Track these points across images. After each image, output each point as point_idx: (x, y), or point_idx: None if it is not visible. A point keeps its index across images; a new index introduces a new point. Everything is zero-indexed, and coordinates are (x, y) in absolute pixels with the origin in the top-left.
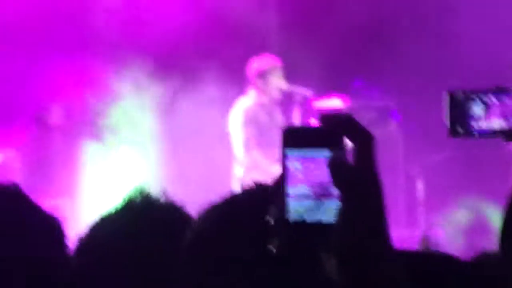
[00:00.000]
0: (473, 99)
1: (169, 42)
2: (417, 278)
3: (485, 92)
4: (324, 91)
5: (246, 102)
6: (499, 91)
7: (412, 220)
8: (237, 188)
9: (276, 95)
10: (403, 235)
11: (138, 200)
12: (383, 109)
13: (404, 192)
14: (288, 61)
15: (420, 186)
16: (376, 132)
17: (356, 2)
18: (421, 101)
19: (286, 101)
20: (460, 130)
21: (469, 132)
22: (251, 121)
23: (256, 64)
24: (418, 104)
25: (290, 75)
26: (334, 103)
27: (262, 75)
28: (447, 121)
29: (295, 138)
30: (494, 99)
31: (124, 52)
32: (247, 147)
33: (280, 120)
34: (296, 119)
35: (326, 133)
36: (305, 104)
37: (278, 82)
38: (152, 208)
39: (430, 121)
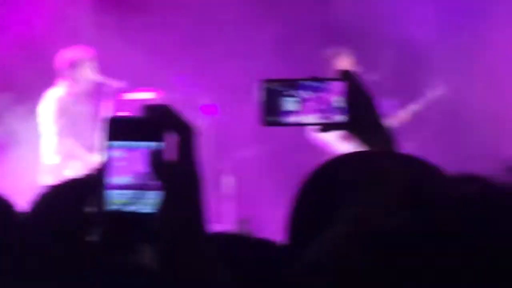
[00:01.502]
0: (286, 90)
1: None
2: (234, 261)
3: (299, 83)
4: (141, 85)
5: (57, 92)
6: (312, 81)
7: (222, 215)
8: (50, 178)
9: (88, 86)
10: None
11: None
12: (197, 102)
13: (214, 187)
14: (103, 53)
15: (230, 181)
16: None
17: None
18: (239, 96)
19: (98, 92)
20: (271, 119)
21: (280, 122)
22: (63, 111)
23: (67, 54)
24: (234, 100)
25: (105, 67)
26: (146, 95)
27: (73, 65)
28: (260, 110)
29: (119, 128)
30: (307, 91)
31: None
32: (61, 136)
33: (91, 111)
34: (108, 111)
35: (149, 124)
36: (118, 96)
37: (89, 73)
38: None
39: (244, 116)
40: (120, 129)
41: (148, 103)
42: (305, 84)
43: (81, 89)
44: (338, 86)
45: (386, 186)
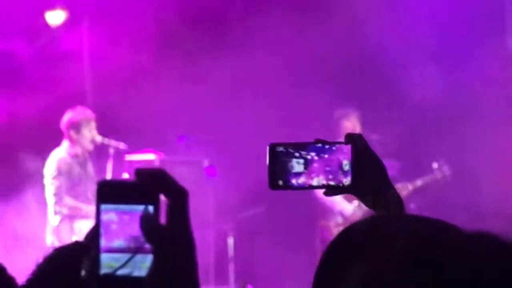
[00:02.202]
0: (293, 154)
1: None
2: None
3: (305, 146)
4: (141, 146)
5: (59, 153)
6: (318, 145)
7: (222, 277)
8: (52, 239)
9: (89, 146)
10: None
11: None
12: (197, 164)
13: (215, 248)
14: (104, 114)
15: (230, 242)
16: (188, 186)
17: None
18: (239, 158)
19: (99, 153)
20: (279, 183)
21: (288, 185)
22: (63, 171)
23: (68, 115)
24: (235, 161)
25: (106, 128)
26: (147, 157)
27: (75, 126)
28: (268, 174)
29: (110, 192)
30: (313, 154)
31: None
32: (59, 196)
33: (92, 172)
34: (109, 172)
35: (141, 188)
36: (119, 157)
37: (90, 134)
38: None
39: (247, 177)
40: (111, 192)
41: (141, 166)
42: (311, 147)
43: (82, 149)
44: (343, 149)
45: (393, 248)
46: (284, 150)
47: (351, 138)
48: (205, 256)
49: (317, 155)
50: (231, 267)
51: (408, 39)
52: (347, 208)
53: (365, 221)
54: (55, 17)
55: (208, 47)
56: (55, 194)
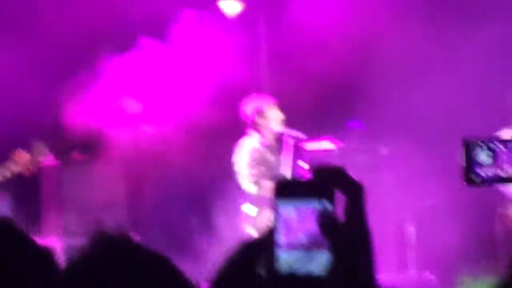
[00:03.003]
0: (484, 148)
1: None
2: None
3: (493, 140)
4: (316, 134)
5: (251, 143)
6: (506, 141)
7: (402, 263)
8: (251, 229)
9: (273, 135)
10: (394, 279)
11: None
12: (373, 152)
13: (395, 235)
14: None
15: (411, 229)
16: (367, 175)
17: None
18: (413, 147)
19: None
20: (475, 178)
21: (483, 180)
22: (259, 160)
23: (252, 103)
24: (410, 150)
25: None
26: (325, 145)
27: (261, 113)
28: (463, 169)
29: (287, 189)
30: (501, 147)
31: None
32: (258, 183)
33: (280, 161)
34: (289, 161)
35: (317, 185)
36: (298, 146)
37: (275, 120)
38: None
39: (419, 166)
40: (289, 189)
41: (317, 164)
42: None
43: (271, 138)
44: None
45: None
46: (475, 144)
47: None
48: (385, 244)
49: (504, 147)
50: (411, 254)
51: None
52: None
53: None
54: (231, 7)
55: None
56: (254, 183)
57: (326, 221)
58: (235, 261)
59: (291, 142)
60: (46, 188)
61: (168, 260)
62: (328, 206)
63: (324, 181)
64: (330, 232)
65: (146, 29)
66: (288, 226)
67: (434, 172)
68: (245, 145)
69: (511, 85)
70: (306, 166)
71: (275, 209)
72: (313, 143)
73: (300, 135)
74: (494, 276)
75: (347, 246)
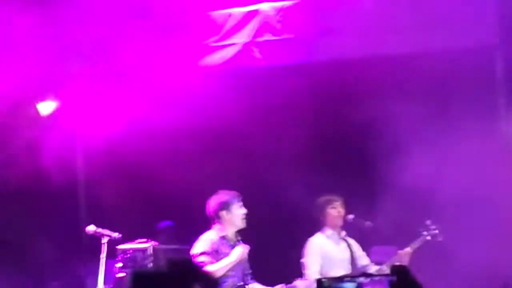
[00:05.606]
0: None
1: None
2: None
3: (353, 280)
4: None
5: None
6: (366, 277)
7: None
8: None
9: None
10: None
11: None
12: (187, 251)
13: None
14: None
15: None
16: None
17: None
18: None
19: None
20: None
21: None
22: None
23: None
24: None
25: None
26: (141, 245)
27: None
28: None
29: (144, 282)
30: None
31: None
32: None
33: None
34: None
35: (174, 278)
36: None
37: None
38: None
39: None
40: (145, 284)
41: (172, 258)
42: (356, 281)
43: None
44: (387, 280)
45: None
46: (333, 284)
47: (397, 271)
48: None
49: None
50: None
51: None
52: None
53: None
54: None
55: None
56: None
57: None
58: None
59: (104, 241)
60: None
61: None
62: None
63: (178, 274)
64: None
65: None
66: None
67: None
68: (204, 237)
69: None
70: (120, 265)
71: None
72: (128, 244)
73: (113, 234)
74: None
75: None
